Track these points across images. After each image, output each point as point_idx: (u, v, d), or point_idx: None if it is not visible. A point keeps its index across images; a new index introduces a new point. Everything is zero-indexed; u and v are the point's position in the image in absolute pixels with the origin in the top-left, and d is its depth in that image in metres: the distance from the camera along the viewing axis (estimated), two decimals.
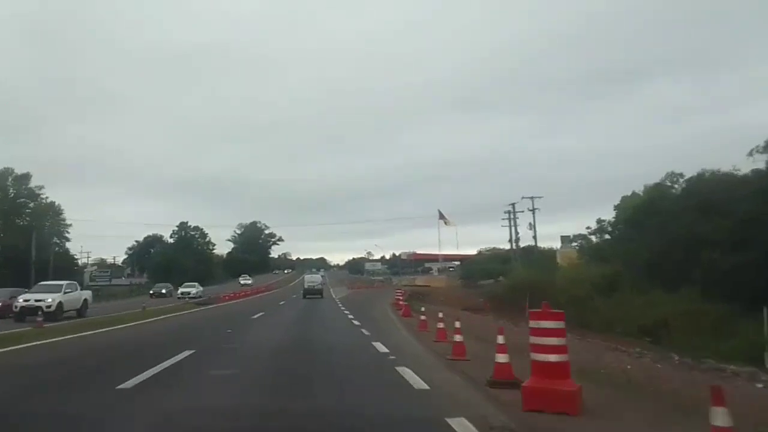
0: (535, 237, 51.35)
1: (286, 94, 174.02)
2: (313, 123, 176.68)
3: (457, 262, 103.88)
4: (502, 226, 54.98)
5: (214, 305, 33.33)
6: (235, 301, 38.51)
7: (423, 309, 19.35)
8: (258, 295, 48.89)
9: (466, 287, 56.86)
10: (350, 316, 20.32)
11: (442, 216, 77.27)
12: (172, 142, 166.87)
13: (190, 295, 44.94)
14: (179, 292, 48.91)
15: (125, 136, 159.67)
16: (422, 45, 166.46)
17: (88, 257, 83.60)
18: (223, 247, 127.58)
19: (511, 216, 53.43)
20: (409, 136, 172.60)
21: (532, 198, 50.50)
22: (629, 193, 49.65)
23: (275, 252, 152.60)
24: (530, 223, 50.75)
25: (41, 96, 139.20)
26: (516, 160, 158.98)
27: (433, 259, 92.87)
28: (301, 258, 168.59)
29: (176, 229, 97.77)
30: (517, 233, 51.92)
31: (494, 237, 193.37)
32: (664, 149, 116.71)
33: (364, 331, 14.68)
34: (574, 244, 66.29)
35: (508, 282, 42.00)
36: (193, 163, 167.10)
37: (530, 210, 50.43)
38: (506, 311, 30.83)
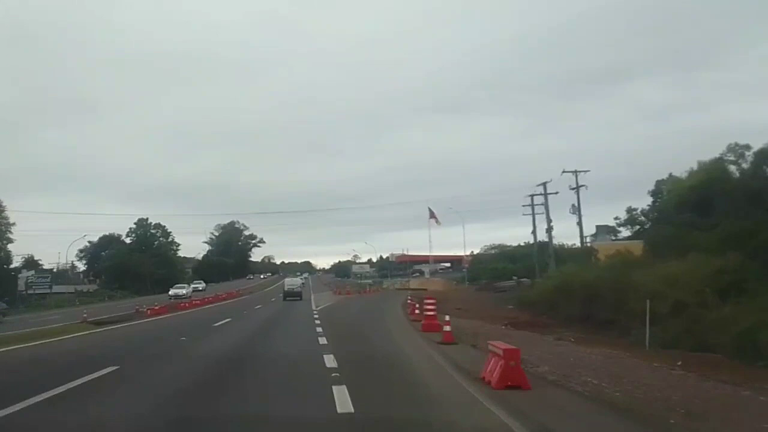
0: (580, 222, 43.05)
1: (268, 99, 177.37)
2: (297, 127, 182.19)
3: (448, 264, 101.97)
4: (524, 214, 50.70)
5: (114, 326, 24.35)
6: (150, 320, 27.69)
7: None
8: (204, 307, 38.50)
9: (480, 290, 52.39)
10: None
11: (432, 215, 74.25)
12: (151, 147, 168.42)
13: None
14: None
15: (102, 141, 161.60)
16: (404, 49, 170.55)
17: (23, 260, 78.03)
18: (200, 252, 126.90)
19: (539, 204, 47.91)
20: (393, 138, 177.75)
21: (575, 172, 41.72)
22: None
23: (257, 255, 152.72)
24: (573, 206, 42.25)
25: (16, 101, 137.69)
26: (501, 160, 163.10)
27: (423, 260, 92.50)
28: (286, 262, 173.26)
29: (134, 226, 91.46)
30: (551, 225, 46.01)
31: (486, 237, 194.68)
32: (652, 147, 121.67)
33: None
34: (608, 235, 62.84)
35: (549, 284, 36.35)
36: (172, 169, 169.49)
37: (572, 189, 41.90)
38: (565, 325, 26.55)
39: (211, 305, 40.42)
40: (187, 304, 38.58)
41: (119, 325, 24.22)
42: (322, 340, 14.11)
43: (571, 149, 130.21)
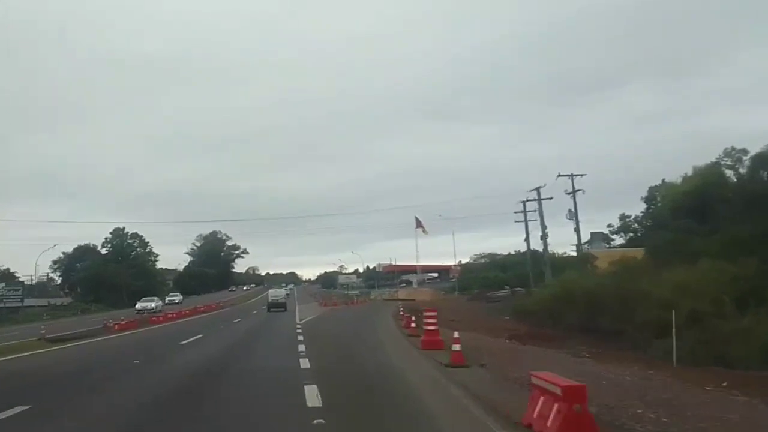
0: (577, 228, 41.34)
1: (253, 105, 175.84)
2: (281, 134, 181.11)
3: (435, 274, 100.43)
4: (516, 221, 48.81)
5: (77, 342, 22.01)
6: (114, 336, 25.12)
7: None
8: (178, 321, 35.73)
9: (472, 300, 50.03)
10: None
11: (419, 224, 72.44)
12: (133, 154, 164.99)
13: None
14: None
15: (83, 149, 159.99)
16: (392, 54, 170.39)
17: None
18: (182, 263, 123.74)
19: (532, 211, 46.00)
20: (380, 146, 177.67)
21: (571, 176, 39.45)
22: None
23: (241, 267, 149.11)
24: (570, 211, 40.42)
25: None
26: (491, 168, 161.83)
27: (410, 270, 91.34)
28: (271, 273, 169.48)
29: (109, 236, 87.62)
30: (545, 231, 43.59)
31: (475, 246, 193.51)
32: (642, 154, 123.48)
33: None
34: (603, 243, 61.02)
35: (547, 293, 34.13)
36: (153, 177, 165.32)
37: (568, 193, 40.01)
38: (568, 336, 24.41)
39: (187, 318, 37.70)
40: (161, 318, 35.80)
41: (77, 343, 21.56)
42: (304, 363, 11.53)
43: (561, 156, 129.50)
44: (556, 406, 5.17)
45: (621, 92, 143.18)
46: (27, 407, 7.76)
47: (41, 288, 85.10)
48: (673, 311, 17.28)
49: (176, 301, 68.73)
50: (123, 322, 28.57)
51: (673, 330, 17.11)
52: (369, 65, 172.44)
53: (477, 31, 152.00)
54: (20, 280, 76.29)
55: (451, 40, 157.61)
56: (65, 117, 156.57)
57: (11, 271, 79.32)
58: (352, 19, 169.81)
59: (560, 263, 47.49)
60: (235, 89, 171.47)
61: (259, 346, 17.60)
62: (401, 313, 30.33)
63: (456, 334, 10.97)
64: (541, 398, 5.58)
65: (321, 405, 7.22)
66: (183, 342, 18.67)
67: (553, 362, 14.05)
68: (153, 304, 50.60)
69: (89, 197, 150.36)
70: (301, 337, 18.95)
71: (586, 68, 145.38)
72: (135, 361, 13.27)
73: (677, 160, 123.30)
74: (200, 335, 21.61)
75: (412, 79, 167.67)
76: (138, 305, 50.95)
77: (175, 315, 38.17)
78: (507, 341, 22.33)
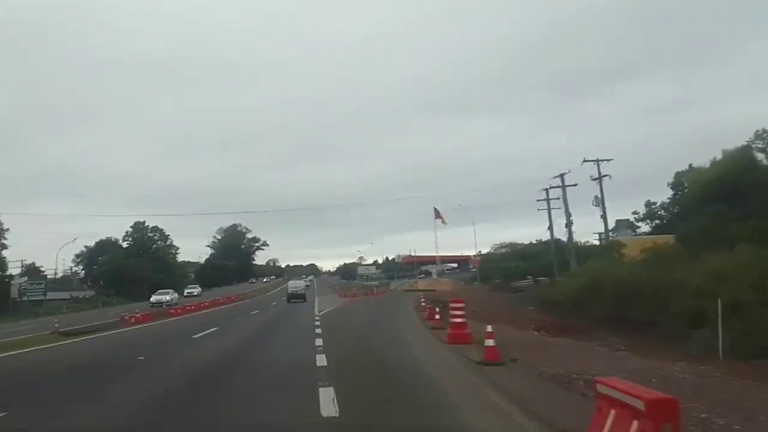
0: (604, 215, 39.27)
1: (270, 100, 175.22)
2: (299, 129, 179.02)
3: (455, 264, 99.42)
4: (539, 209, 47.24)
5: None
6: (129, 329, 24.21)
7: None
8: (196, 313, 34.46)
9: (494, 290, 48.70)
10: None
11: (438, 214, 71.31)
12: (151, 151, 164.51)
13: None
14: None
15: (102, 146, 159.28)
16: (405, 48, 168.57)
17: (22, 266, 74.87)
18: (203, 255, 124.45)
19: (554, 198, 44.20)
20: (397, 139, 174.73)
21: (597, 161, 37.69)
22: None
23: (261, 259, 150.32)
24: (596, 197, 38.36)
25: (9, 106, 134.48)
26: (509, 159, 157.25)
27: (429, 261, 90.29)
28: (291, 265, 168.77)
29: (130, 230, 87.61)
30: (569, 219, 41.82)
31: (494, 237, 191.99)
32: (650, 145, 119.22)
33: None
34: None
35: (574, 283, 32.76)
36: (174, 173, 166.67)
37: (593, 179, 37.96)
38: (598, 327, 23.28)
39: (204, 311, 36.94)
40: (179, 310, 35.12)
41: (90, 336, 20.87)
42: (321, 360, 10.47)
43: (581, 146, 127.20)
44: (636, 424, 4.00)
45: (637, 83, 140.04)
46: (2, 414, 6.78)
47: (66, 282, 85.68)
48: (719, 300, 16.03)
49: (195, 294, 67.75)
50: (138, 315, 27.85)
51: (719, 320, 15.88)
52: (383, 60, 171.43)
53: (490, 23, 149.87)
54: (44, 274, 77.24)
55: (463, 34, 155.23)
56: (79, 117, 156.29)
57: (36, 265, 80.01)
58: (364, 15, 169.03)
59: (585, 252, 46.00)
60: (251, 88, 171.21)
61: (274, 339, 16.60)
62: (423, 304, 29.27)
63: (489, 328, 9.80)
64: (612, 412, 4.41)
65: (337, 414, 6.12)
66: (196, 335, 17.78)
67: (591, 356, 12.87)
68: (168, 297, 48.79)
69: (109, 194, 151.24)
70: (318, 330, 17.95)
71: (605, 59, 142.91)
72: (140, 357, 12.31)
73: (703, 145, 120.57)
74: (215, 328, 20.75)
75: (427, 74, 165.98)
76: (152, 298, 49.13)
77: (193, 307, 37.45)
78: (534, 333, 21.19)
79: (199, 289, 73.74)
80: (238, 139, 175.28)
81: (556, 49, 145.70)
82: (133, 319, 27.18)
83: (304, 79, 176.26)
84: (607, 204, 38.69)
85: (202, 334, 18.11)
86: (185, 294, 66.59)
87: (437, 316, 17.60)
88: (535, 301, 35.08)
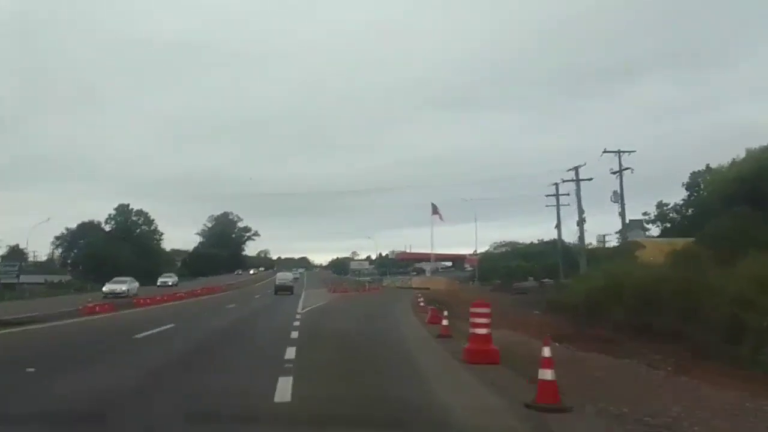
0: (623, 212, 35.38)
1: (267, 91, 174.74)
2: (296, 121, 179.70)
3: (449, 263, 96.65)
4: (547, 205, 43.78)
5: None
6: (73, 321, 20.13)
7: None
8: (165, 304, 30.30)
9: (495, 291, 45.17)
10: None
11: (435, 210, 68.79)
12: (148, 139, 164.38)
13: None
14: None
15: (97, 133, 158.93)
16: (408, 43, 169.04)
17: (7, 248, 70.99)
18: (193, 243, 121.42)
19: (564, 194, 40.98)
20: (396, 134, 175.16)
21: (618, 153, 34.16)
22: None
23: (252, 249, 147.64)
24: (615, 192, 34.92)
25: (16, 88, 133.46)
26: (511, 156, 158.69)
27: (424, 258, 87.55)
28: (283, 257, 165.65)
29: (113, 212, 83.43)
30: (582, 216, 38.20)
31: (493, 235, 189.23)
32: (658, 145, 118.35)
33: None
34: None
35: (588, 286, 29.21)
36: (168, 161, 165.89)
37: (613, 173, 34.54)
38: (621, 340, 19.97)
39: (175, 302, 33.22)
40: (148, 300, 31.30)
41: (22, 328, 17.21)
42: (282, 394, 6.75)
43: (586, 146, 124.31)
44: None
45: (646, 82, 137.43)
46: None
47: (49, 265, 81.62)
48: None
49: (170, 283, 62.26)
50: (91, 305, 24.01)
51: None
52: (384, 54, 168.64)
53: (497, 20, 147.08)
54: (25, 256, 73.12)
55: (468, 30, 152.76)
56: (81, 99, 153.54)
57: (20, 247, 76.01)
58: (368, 8, 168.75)
59: (596, 253, 42.68)
60: (253, 75, 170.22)
61: (232, 347, 12.72)
62: (421, 304, 25.73)
63: (546, 352, 6.07)
64: None
65: None
66: (140, 335, 14.11)
67: (648, 385, 9.15)
68: (125, 287, 40.84)
69: (99, 180, 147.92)
70: (295, 334, 14.24)
71: (610, 58, 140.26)
72: (29, 369, 8.61)
73: (713, 146, 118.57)
74: (170, 325, 17.12)
75: (432, 69, 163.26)
76: (105, 287, 40.94)
77: (161, 298, 33.57)
78: (557, 344, 17.70)
79: (175, 279, 68.33)
80: (235, 128, 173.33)
81: (563, 46, 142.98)
82: (86, 310, 23.45)
83: (302, 71, 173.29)
84: (617, 205, 35.37)
85: (147, 333, 14.43)
86: (159, 283, 61.55)
87: (444, 322, 13.95)
88: (542, 305, 31.89)
